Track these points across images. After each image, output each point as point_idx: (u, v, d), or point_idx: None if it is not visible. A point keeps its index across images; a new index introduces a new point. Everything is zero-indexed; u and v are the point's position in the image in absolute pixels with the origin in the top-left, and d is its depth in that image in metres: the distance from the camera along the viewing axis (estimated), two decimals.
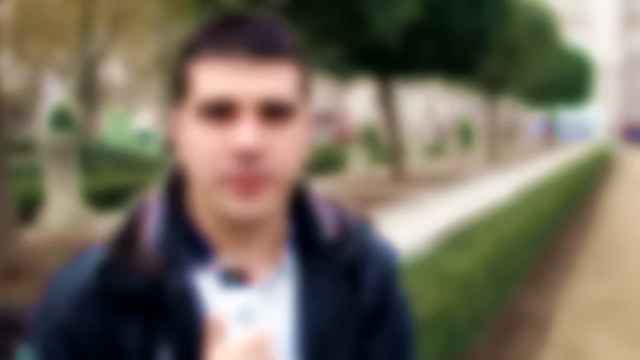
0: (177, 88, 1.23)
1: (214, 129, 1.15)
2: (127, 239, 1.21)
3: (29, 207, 11.18)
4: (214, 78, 1.15)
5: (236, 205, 1.16)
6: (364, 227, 1.35)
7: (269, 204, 1.18)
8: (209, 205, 1.21)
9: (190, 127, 1.18)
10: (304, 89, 1.23)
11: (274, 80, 1.15)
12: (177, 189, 1.26)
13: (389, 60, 18.50)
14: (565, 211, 13.67)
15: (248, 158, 1.13)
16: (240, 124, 1.14)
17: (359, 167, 23.51)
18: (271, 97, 1.15)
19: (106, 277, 1.17)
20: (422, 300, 4.27)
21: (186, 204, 1.25)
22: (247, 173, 1.14)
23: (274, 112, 1.16)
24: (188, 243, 1.22)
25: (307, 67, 1.24)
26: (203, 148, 1.16)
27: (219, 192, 1.16)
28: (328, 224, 1.29)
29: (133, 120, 42.71)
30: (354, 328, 1.29)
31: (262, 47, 1.15)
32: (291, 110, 1.18)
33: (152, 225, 1.21)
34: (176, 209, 1.24)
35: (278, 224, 1.27)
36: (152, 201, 1.26)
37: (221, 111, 1.15)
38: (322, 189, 1.38)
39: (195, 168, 1.18)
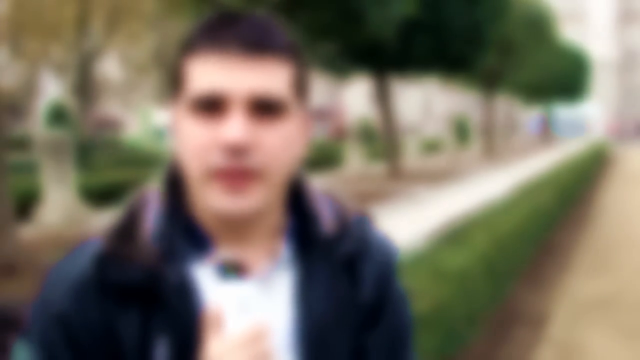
0: (173, 83, 1.24)
1: (204, 123, 1.16)
2: (125, 230, 1.21)
3: (25, 204, 11.16)
4: (206, 73, 1.16)
5: (223, 201, 1.17)
6: (363, 221, 1.35)
7: (257, 201, 1.18)
8: (202, 201, 1.21)
9: (183, 121, 1.20)
10: (300, 87, 1.23)
11: (266, 76, 1.16)
12: (176, 183, 1.26)
13: (385, 57, 18.49)
14: (562, 208, 13.70)
15: (235, 152, 1.14)
16: (229, 119, 1.15)
17: (355, 163, 23.49)
18: (262, 93, 1.16)
19: (104, 268, 1.18)
20: (418, 297, 4.27)
21: (185, 198, 1.26)
22: (234, 166, 1.15)
23: (264, 108, 1.17)
24: (186, 236, 1.23)
25: (304, 67, 1.25)
26: (193, 142, 1.17)
27: (207, 187, 1.17)
28: (326, 218, 1.30)
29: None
30: (353, 322, 1.30)
31: (255, 44, 1.16)
32: (283, 107, 1.18)
33: (151, 218, 1.22)
34: (175, 202, 1.25)
35: (275, 218, 1.27)
36: (151, 194, 1.26)
37: (212, 106, 1.16)
38: (319, 185, 1.38)
39: (186, 162, 1.20)
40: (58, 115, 24.05)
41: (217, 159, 1.15)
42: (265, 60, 1.16)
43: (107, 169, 18.86)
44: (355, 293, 1.30)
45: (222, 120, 1.15)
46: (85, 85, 31.09)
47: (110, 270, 1.17)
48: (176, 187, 1.26)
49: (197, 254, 1.22)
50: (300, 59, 1.24)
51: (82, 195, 11.94)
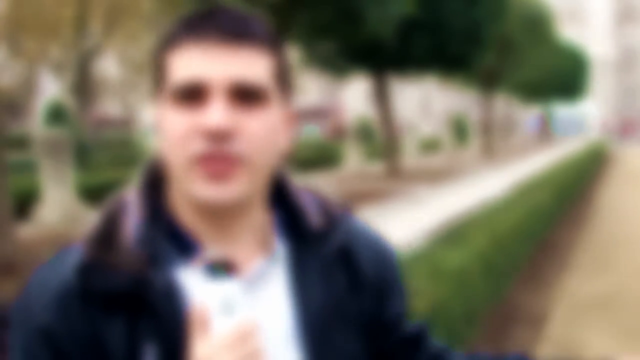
0: (156, 79, 1.24)
1: (186, 112, 1.16)
2: (106, 236, 1.18)
3: (24, 203, 11.16)
4: (186, 63, 1.17)
5: (207, 190, 1.16)
6: (348, 215, 1.37)
7: (240, 189, 1.17)
8: (185, 195, 1.20)
9: (166, 114, 1.19)
10: (281, 80, 1.23)
11: (245, 64, 1.17)
12: (155, 184, 1.25)
13: (383, 56, 18.49)
14: (560, 207, 13.69)
15: (217, 138, 1.14)
16: (210, 105, 1.15)
17: (354, 162, 23.51)
18: (241, 80, 1.16)
19: (87, 277, 1.15)
20: (416, 296, 4.27)
21: (166, 199, 1.24)
22: (216, 152, 1.14)
23: (245, 95, 1.17)
24: (170, 238, 1.21)
25: (285, 60, 1.26)
26: (175, 131, 1.16)
27: (190, 176, 1.16)
28: (312, 213, 1.30)
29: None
30: (356, 311, 1.30)
31: (233, 33, 1.17)
32: (263, 95, 1.18)
33: (132, 222, 1.20)
34: (156, 204, 1.23)
35: (260, 214, 1.27)
36: (130, 197, 1.24)
37: (193, 94, 1.16)
38: (317, 184, 1.39)
39: (168, 153, 1.19)
40: (57, 114, 24.07)
41: (199, 146, 1.14)
42: (244, 49, 1.17)
43: (106, 168, 18.85)
44: (354, 281, 1.31)
45: (203, 108, 1.15)
46: (84, 84, 31.08)
47: (94, 279, 1.14)
48: (156, 188, 1.25)
49: (182, 256, 1.20)
50: (281, 52, 1.24)
51: (81, 194, 11.94)
